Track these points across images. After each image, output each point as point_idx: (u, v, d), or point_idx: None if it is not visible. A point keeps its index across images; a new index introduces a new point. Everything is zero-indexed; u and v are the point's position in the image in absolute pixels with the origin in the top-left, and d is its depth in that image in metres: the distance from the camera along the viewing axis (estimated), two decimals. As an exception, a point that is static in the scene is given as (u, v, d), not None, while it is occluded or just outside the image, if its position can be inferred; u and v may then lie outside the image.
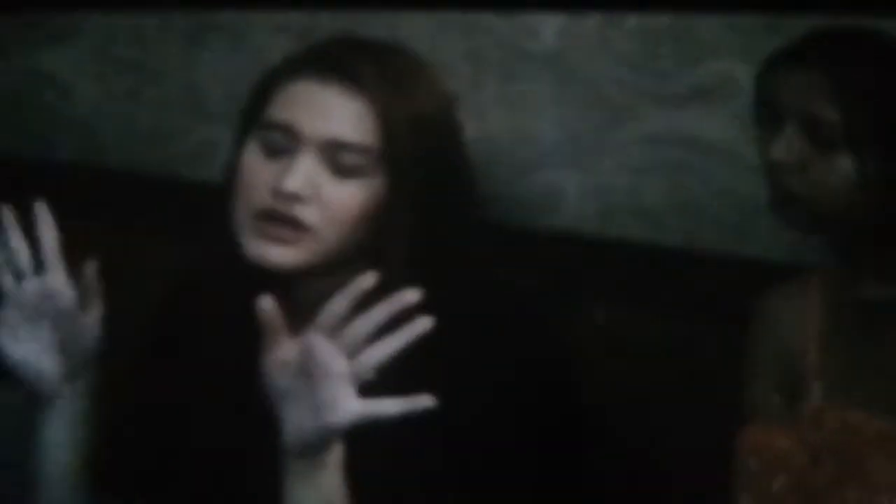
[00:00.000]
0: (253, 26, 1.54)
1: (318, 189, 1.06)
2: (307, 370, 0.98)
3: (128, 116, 1.65)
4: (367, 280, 0.98)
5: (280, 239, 1.06)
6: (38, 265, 1.10)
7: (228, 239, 1.09)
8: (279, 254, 1.06)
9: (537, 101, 1.41)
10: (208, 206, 1.13)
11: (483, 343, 1.07)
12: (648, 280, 1.36)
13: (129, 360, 1.18)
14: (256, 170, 1.08)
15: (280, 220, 1.06)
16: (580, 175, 1.40)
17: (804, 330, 1.12)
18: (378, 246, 1.07)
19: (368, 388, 0.98)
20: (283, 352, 0.99)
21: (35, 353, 1.10)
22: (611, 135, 1.38)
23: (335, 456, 1.00)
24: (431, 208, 1.08)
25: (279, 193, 1.05)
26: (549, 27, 1.39)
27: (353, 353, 0.97)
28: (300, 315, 1.05)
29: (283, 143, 1.07)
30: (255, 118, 1.10)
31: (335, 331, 0.98)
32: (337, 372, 0.97)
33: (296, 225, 1.06)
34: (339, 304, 0.98)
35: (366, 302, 0.98)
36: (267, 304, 0.99)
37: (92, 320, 1.10)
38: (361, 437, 0.99)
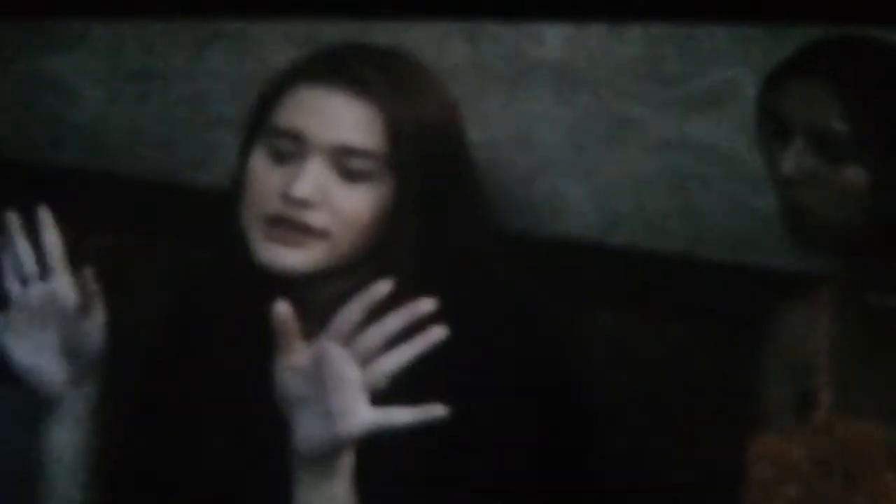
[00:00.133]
0: (258, 34, 1.54)
1: (328, 194, 1.06)
2: (319, 377, 0.98)
3: (134, 122, 1.66)
4: (382, 288, 0.97)
5: (290, 242, 1.06)
6: (44, 270, 1.10)
7: (236, 243, 1.10)
8: (290, 257, 1.06)
9: (542, 108, 1.41)
10: (215, 211, 1.13)
11: (487, 348, 1.07)
12: (653, 287, 1.36)
13: (139, 365, 1.18)
14: (265, 176, 1.08)
15: (291, 226, 1.06)
16: (585, 182, 1.40)
17: (815, 339, 1.12)
18: (385, 250, 1.07)
19: (378, 395, 0.98)
20: (296, 358, 0.99)
21: (41, 357, 1.10)
22: (615, 142, 1.38)
23: (345, 464, 0.99)
24: (437, 212, 1.09)
25: (289, 199, 1.06)
26: (554, 35, 1.40)
27: (365, 361, 0.97)
28: (306, 319, 1.05)
29: (291, 150, 1.08)
30: (261, 124, 1.11)
31: (348, 338, 0.98)
32: (350, 380, 0.97)
33: (307, 230, 1.06)
34: (352, 311, 0.98)
35: (376, 307, 0.98)
36: (282, 309, 0.98)
37: (95, 325, 1.11)
38: (371, 443, 0.98)
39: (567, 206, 1.41)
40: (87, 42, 1.66)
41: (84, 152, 1.68)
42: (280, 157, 1.08)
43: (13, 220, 1.10)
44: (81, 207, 1.61)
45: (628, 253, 1.38)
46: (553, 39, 1.40)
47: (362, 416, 0.96)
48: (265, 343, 1.00)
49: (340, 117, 1.07)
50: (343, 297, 1.04)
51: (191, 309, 1.18)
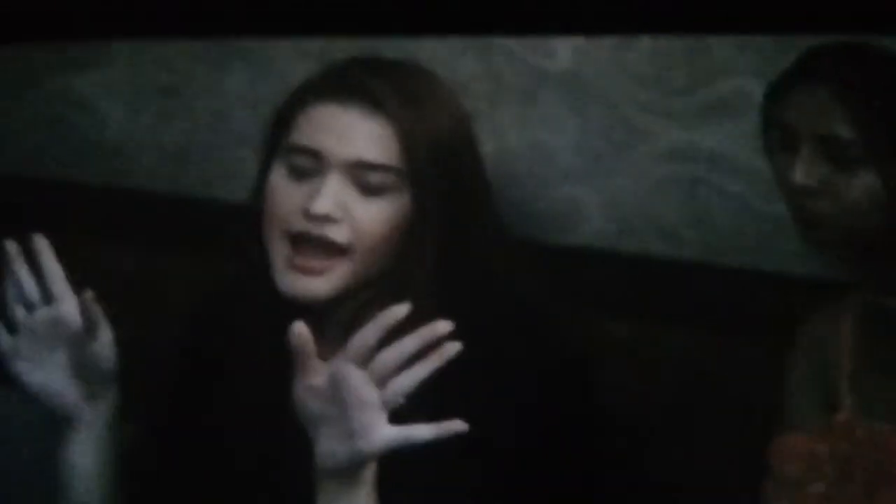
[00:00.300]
0: (276, 52, 1.55)
1: (348, 209, 1.07)
2: (339, 397, 0.98)
3: (157, 139, 1.67)
4: (399, 310, 0.97)
5: (312, 270, 1.07)
6: (47, 295, 1.10)
7: (258, 261, 1.10)
8: (312, 285, 1.06)
9: (555, 119, 1.42)
10: (237, 227, 1.14)
11: (503, 358, 1.08)
12: (666, 293, 1.37)
13: (159, 381, 1.19)
14: (285, 193, 1.09)
15: (314, 243, 1.07)
16: (598, 191, 1.41)
17: (838, 344, 1.13)
18: (404, 261, 1.08)
19: (400, 410, 0.99)
20: (314, 378, 0.99)
21: (52, 378, 1.11)
22: (627, 152, 1.39)
23: (368, 475, 1.00)
24: (454, 223, 1.09)
25: (310, 216, 1.06)
26: (565, 48, 1.41)
27: (382, 382, 0.98)
28: (327, 333, 1.07)
29: (310, 167, 1.08)
30: (279, 142, 1.11)
31: (365, 360, 0.98)
32: (369, 400, 0.97)
33: (329, 246, 1.07)
34: (369, 333, 0.98)
35: (393, 326, 0.98)
36: (300, 330, 0.99)
37: (103, 343, 1.10)
38: (393, 454, 0.99)
39: (580, 215, 1.42)
40: (110, 62, 1.67)
41: (108, 169, 1.69)
42: (299, 175, 1.09)
43: (13, 247, 1.10)
44: (105, 222, 1.65)
45: (641, 260, 1.39)
46: (564, 52, 1.41)
47: (383, 433, 0.97)
48: (286, 359, 1.01)
49: (355, 133, 1.07)
50: (364, 308, 1.06)
51: (212, 324, 1.18)
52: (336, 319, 1.09)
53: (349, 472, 0.99)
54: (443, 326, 0.96)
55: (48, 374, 1.11)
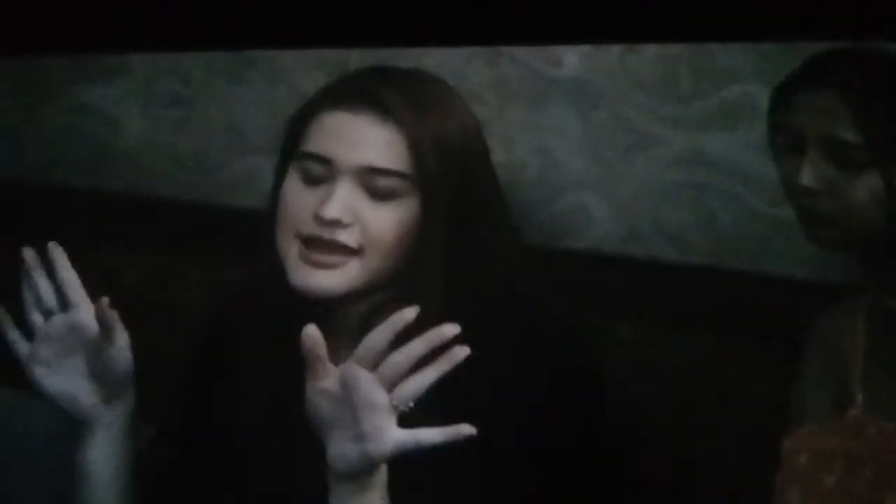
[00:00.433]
0: (289, 63, 1.56)
1: (358, 213, 1.08)
2: (349, 400, 0.99)
3: (173, 148, 1.68)
4: (408, 314, 0.99)
5: (325, 264, 1.08)
6: (64, 302, 1.11)
7: (270, 263, 1.11)
8: (325, 279, 1.08)
9: (562, 126, 1.43)
10: (251, 233, 1.15)
11: (512, 361, 1.09)
12: (673, 297, 1.37)
13: (175, 384, 1.20)
14: (298, 198, 1.10)
15: (325, 245, 1.08)
16: (605, 196, 1.41)
17: (850, 344, 1.13)
18: (414, 265, 1.09)
19: (410, 413, 0.99)
20: (326, 381, 1.00)
21: (70, 382, 1.12)
22: (634, 157, 1.39)
23: (379, 477, 1.01)
24: (463, 227, 1.10)
25: (321, 220, 1.08)
26: (572, 56, 1.41)
27: (391, 385, 0.99)
28: (340, 335, 1.09)
29: (321, 173, 1.10)
30: (293, 149, 1.13)
31: (374, 363, 0.99)
32: (379, 403, 0.98)
33: (340, 249, 1.08)
34: (378, 336, 0.99)
35: (402, 329, 0.99)
36: (311, 333, 1.00)
37: (119, 348, 1.11)
38: (405, 457, 1.00)
39: (588, 220, 1.42)
40: (127, 73, 1.69)
41: (126, 177, 1.70)
42: (311, 180, 1.10)
43: (30, 255, 1.11)
44: (122, 229, 1.67)
45: (649, 264, 1.39)
46: (571, 60, 1.41)
47: (393, 437, 0.98)
48: (299, 361, 1.02)
49: (365, 140, 1.09)
50: (374, 312, 1.08)
51: (227, 327, 1.19)
52: (347, 323, 1.11)
53: (360, 474, 1.00)
54: (450, 330, 0.97)
55: (66, 379, 1.12)
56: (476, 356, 0.97)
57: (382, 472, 1.01)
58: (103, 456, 1.13)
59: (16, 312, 1.13)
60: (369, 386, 0.99)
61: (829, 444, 1.10)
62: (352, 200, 1.09)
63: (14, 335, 1.12)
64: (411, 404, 0.99)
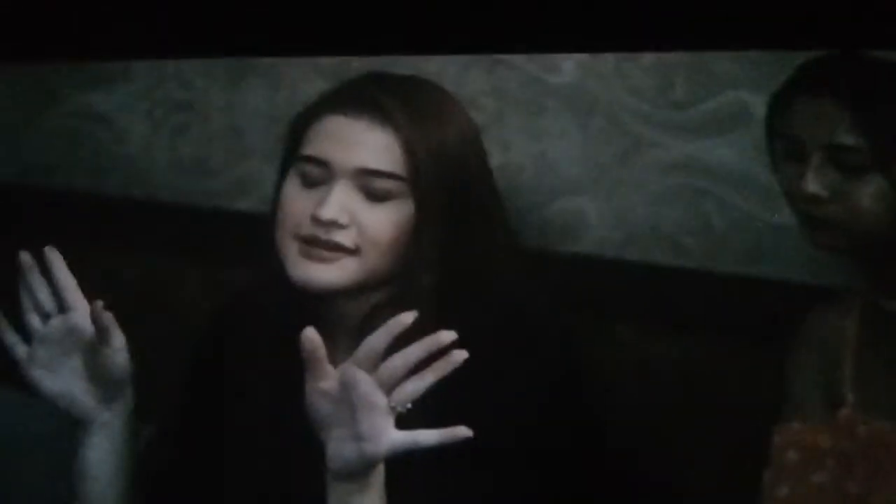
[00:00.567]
0: (289, 69, 1.57)
1: (354, 214, 1.10)
2: (348, 401, 1.00)
3: (174, 153, 1.68)
4: (407, 318, 1.00)
5: (324, 258, 1.09)
6: (61, 304, 1.12)
7: (270, 264, 1.13)
8: (324, 273, 1.09)
9: (559, 132, 1.43)
10: (251, 235, 1.16)
11: (508, 365, 1.09)
12: (669, 301, 1.38)
13: (174, 383, 1.20)
14: (296, 200, 1.12)
15: (323, 245, 1.09)
16: (602, 201, 1.42)
17: (842, 344, 1.13)
18: (410, 267, 1.10)
19: (406, 415, 1.00)
20: (325, 382, 1.01)
21: (68, 384, 1.12)
22: (630, 163, 1.40)
23: (376, 478, 1.02)
24: (459, 231, 1.11)
25: (318, 221, 1.09)
26: (569, 62, 1.42)
27: (389, 387, 1.00)
28: (339, 334, 1.10)
29: (319, 175, 1.11)
30: (293, 153, 1.14)
31: (373, 365, 1.00)
32: (377, 405, 0.99)
33: (337, 249, 1.09)
34: (377, 339, 1.00)
35: (400, 332, 1.00)
36: (310, 335, 1.01)
37: (116, 349, 1.11)
38: (401, 458, 1.01)
39: (585, 225, 1.43)
40: (130, 79, 1.69)
41: (128, 181, 1.71)
42: (309, 183, 1.12)
43: (27, 259, 1.12)
44: (124, 233, 1.68)
45: (644, 268, 1.40)
46: (568, 66, 1.42)
47: (390, 438, 0.99)
48: (298, 362, 1.02)
49: (362, 143, 1.10)
50: (372, 315, 1.09)
51: (228, 328, 1.20)
52: (345, 323, 1.12)
53: (358, 474, 1.01)
54: (447, 336, 0.98)
55: (64, 381, 1.13)
56: (470, 358, 0.98)
57: (380, 473, 1.02)
58: (102, 456, 1.14)
59: (14, 315, 1.14)
60: (368, 387, 1.00)
61: (820, 441, 1.10)
62: (348, 202, 1.10)
63: (12, 338, 1.13)
64: (409, 406, 1.00)
